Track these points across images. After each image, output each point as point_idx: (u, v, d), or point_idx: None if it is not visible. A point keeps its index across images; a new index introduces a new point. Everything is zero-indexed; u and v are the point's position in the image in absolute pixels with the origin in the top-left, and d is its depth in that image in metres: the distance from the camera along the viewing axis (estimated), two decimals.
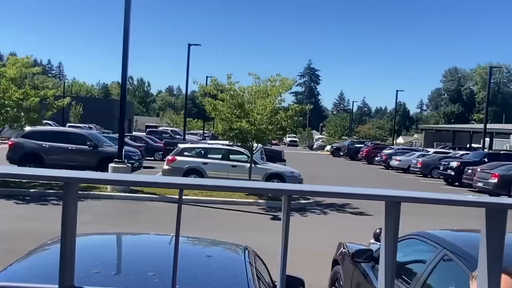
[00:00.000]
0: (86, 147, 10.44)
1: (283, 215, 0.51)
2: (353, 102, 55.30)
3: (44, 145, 10.06)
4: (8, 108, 9.07)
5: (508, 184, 10.96)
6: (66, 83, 44.22)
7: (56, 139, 10.50)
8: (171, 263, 0.64)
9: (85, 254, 1.38)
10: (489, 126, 22.62)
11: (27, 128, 10.13)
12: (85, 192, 7.74)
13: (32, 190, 7.98)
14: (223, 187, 0.50)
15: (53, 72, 70.32)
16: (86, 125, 19.53)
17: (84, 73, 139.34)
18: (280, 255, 0.51)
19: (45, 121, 11.66)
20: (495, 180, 11.04)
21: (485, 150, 19.16)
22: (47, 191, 8.05)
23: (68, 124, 18.41)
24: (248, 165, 9.45)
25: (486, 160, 14.17)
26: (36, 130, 10.38)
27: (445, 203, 0.57)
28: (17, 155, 9.95)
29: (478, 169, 12.09)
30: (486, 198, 0.60)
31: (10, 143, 10.53)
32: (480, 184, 11.83)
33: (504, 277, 1.07)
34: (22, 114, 9.32)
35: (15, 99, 9.00)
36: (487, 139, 23.17)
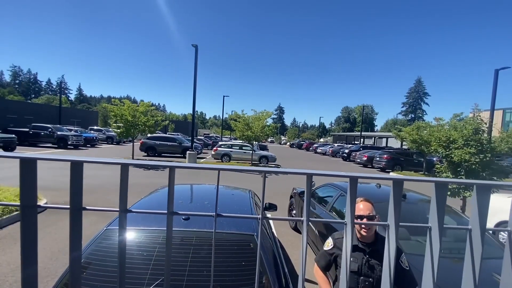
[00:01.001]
0: (176, 143, 18.90)
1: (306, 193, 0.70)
2: (299, 122, 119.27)
3: (156, 142, 18.32)
4: (140, 126, 15.52)
5: (371, 160, 19.21)
6: (166, 114, 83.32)
7: (162, 140, 18.79)
8: (215, 197, 1.01)
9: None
10: (362, 134, 44.26)
11: (149, 135, 18.06)
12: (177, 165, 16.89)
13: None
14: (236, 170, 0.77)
15: (160, 108, 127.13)
16: (176, 133, 31.78)
17: (175, 108, 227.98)
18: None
19: (157, 132, 19.85)
20: (365, 158, 19.17)
21: (360, 145, 33.42)
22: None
23: (167, 133, 30.61)
24: (251, 151, 17.44)
25: (361, 149, 23.67)
26: (153, 136, 18.34)
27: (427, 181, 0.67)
28: (144, 147, 18.12)
29: (358, 153, 20.87)
30: (433, 178, 0.68)
31: (141, 141, 18.38)
32: (358, 160, 20.58)
33: (364, 204, 1.87)
34: (146, 128, 15.69)
35: (143, 121, 15.44)
36: (362, 139, 44.74)
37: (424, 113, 77.57)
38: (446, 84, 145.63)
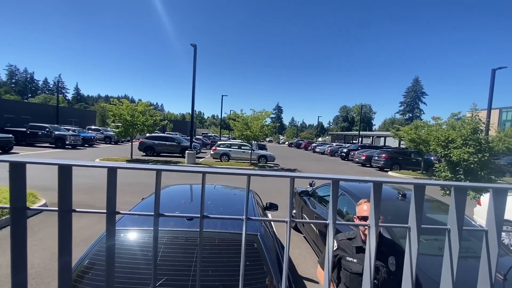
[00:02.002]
0: (175, 143, 18.86)
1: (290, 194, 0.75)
2: (298, 121, 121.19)
3: (155, 142, 18.39)
4: (138, 125, 15.24)
5: (369, 159, 19.38)
6: (165, 113, 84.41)
7: (160, 139, 18.81)
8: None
9: (172, 193, 2.68)
10: (360, 133, 44.48)
11: (147, 134, 17.89)
12: (176, 164, 15.93)
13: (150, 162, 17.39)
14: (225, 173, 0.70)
15: (158, 108, 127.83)
16: (175, 133, 32.20)
17: (173, 107, 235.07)
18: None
19: (155, 131, 19.49)
20: (364, 157, 19.25)
21: (359, 144, 34.68)
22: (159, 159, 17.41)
23: (166, 132, 30.34)
24: (250, 151, 17.42)
25: (359, 148, 23.77)
26: (151, 135, 18.38)
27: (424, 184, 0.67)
28: (142, 147, 18.17)
29: (356, 153, 20.91)
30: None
31: (139, 141, 18.47)
32: (357, 160, 20.70)
33: (368, 205, 1.86)
34: (145, 128, 15.45)
35: (142, 121, 15.20)
36: (360, 139, 44.94)
37: (422, 112, 77.91)
38: (443, 83, 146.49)
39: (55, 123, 27.37)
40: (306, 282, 3.77)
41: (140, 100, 18.24)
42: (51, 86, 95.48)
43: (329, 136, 78.90)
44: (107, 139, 28.47)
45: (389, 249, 1.84)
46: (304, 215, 5.10)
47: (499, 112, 48.91)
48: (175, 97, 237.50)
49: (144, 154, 18.67)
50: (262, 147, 21.18)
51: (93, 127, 32.11)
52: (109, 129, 29.69)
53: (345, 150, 26.76)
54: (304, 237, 5.17)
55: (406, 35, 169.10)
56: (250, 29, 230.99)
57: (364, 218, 1.88)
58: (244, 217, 0.70)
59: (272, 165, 17.38)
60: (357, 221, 1.94)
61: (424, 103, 79.25)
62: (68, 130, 23.26)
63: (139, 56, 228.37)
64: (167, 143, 19.00)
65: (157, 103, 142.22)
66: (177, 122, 65.76)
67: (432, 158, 18.43)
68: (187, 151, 16.04)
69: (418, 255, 0.68)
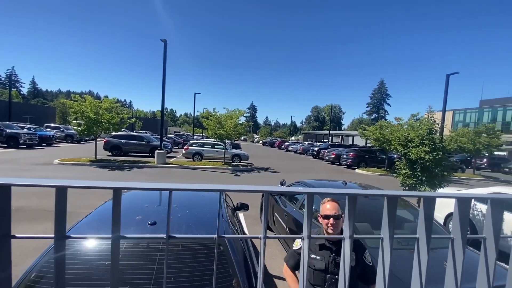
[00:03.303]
0: (144, 142, 18.02)
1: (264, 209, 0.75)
2: (272, 121, 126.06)
3: (122, 141, 17.55)
4: (103, 123, 14.36)
5: (338, 157, 20.33)
6: (133, 111, 77.51)
7: (128, 138, 17.95)
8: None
9: (136, 195, 2.53)
10: (330, 132, 45.86)
11: (113, 133, 16.84)
12: (144, 164, 14.44)
13: (117, 164, 16.37)
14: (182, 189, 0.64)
15: (127, 105, 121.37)
16: (144, 131, 30.66)
17: (143, 104, 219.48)
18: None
19: (123, 130, 18.81)
20: (333, 156, 20.31)
21: (329, 143, 34.77)
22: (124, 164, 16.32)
23: (135, 131, 28.51)
24: (223, 150, 17.16)
25: (329, 147, 24.58)
26: (118, 134, 17.39)
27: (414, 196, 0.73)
28: (108, 146, 17.26)
29: (326, 151, 21.90)
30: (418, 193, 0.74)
31: (105, 140, 17.69)
32: (327, 158, 21.65)
33: (331, 204, 1.92)
34: (111, 126, 14.65)
35: (107, 119, 14.32)
36: (330, 138, 47.02)
37: (387, 113, 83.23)
38: (406, 85, 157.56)
39: (7, 120, 24.76)
40: (276, 280, 3.82)
41: (106, 96, 17.18)
42: (3, 79, 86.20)
43: (302, 135, 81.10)
44: (69, 138, 26.46)
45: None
46: (275, 214, 5.16)
47: (453, 113, 53.78)
48: (145, 94, 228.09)
49: (110, 154, 17.63)
50: (236, 146, 21.09)
51: (52, 125, 29.52)
52: (70, 127, 27.62)
53: (316, 149, 27.53)
54: (275, 235, 5.23)
55: (372, 38, 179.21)
56: (224, 29, 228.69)
57: (327, 217, 1.93)
58: (215, 236, 0.66)
59: (246, 164, 17.38)
60: (320, 220, 1.99)
61: (389, 104, 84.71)
62: (23, 128, 21.17)
63: (105, 51, 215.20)
64: (136, 142, 18.19)
65: (125, 100, 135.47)
66: (147, 120, 63.06)
67: (395, 156, 19.74)
68: (156, 151, 15.43)
69: (390, 263, 0.70)
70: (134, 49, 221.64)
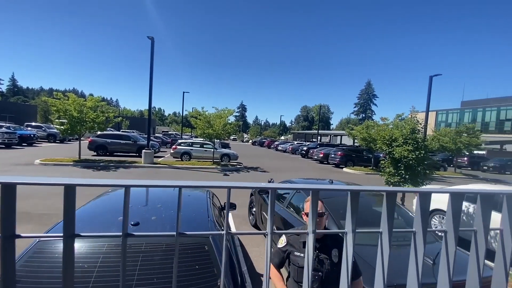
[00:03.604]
0: (130, 141, 17.68)
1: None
2: (261, 120, 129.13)
3: (107, 140, 17.16)
4: (87, 122, 13.96)
5: (327, 156, 20.63)
6: (120, 109, 78.48)
7: (114, 137, 17.54)
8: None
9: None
10: (319, 132, 47.70)
11: (99, 132, 16.12)
12: (131, 164, 14.11)
13: (102, 164, 15.86)
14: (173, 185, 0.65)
15: (113, 103, 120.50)
16: (131, 131, 29.49)
17: (130, 103, 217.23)
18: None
19: (108, 129, 18.60)
20: (322, 155, 20.69)
21: (317, 142, 35.98)
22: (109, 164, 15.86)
23: (121, 130, 27.69)
24: (212, 150, 17.03)
25: (318, 146, 24.91)
26: (103, 133, 16.83)
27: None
28: (93, 146, 16.84)
29: (315, 151, 22.28)
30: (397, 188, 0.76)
31: (89, 140, 17.17)
32: (315, 157, 21.96)
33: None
34: (96, 125, 14.22)
35: (91, 118, 13.94)
36: (319, 137, 48.41)
37: (373, 113, 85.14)
38: (392, 86, 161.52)
39: None
40: (263, 279, 3.83)
41: (91, 95, 16.69)
42: None
43: (291, 135, 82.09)
44: (51, 137, 25.54)
45: (333, 242, 1.94)
46: (263, 213, 5.17)
47: (436, 114, 55.57)
48: (132, 92, 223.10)
49: (95, 153, 17.17)
50: (226, 146, 21.01)
51: (33, 123, 28.41)
52: (53, 126, 26.67)
53: (305, 148, 27.75)
54: (264, 234, 5.23)
55: (361, 39, 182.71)
56: (213, 28, 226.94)
57: None
58: (174, 234, 0.64)
59: (235, 163, 17.34)
60: (305, 217, 2.01)
61: (375, 105, 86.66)
62: (1, 126, 20.28)
63: (91, 48, 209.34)
64: (122, 141, 17.76)
65: (111, 99, 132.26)
66: (134, 119, 61.76)
67: (381, 155, 20.22)
68: (143, 150, 15.11)
69: (389, 256, 0.72)
70: (121, 46, 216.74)
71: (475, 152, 23.78)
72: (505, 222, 0.72)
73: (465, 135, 19.13)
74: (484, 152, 31.29)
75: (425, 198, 0.72)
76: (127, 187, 0.55)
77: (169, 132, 46.98)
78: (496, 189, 0.74)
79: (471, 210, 5.60)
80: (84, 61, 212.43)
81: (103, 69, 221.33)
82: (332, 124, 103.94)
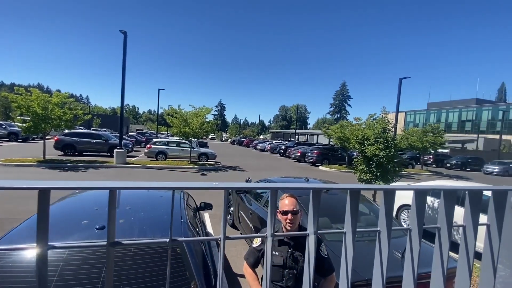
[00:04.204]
0: (101, 140, 16.76)
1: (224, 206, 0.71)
2: (240, 119, 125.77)
3: (76, 139, 16.09)
4: (53, 120, 13.13)
5: (304, 155, 21.23)
6: (90, 107, 74.11)
7: (83, 136, 16.52)
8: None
9: (88, 197, 2.38)
10: (297, 131, 48.64)
11: (66, 131, 15.34)
12: (102, 164, 13.33)
13: (69, 164, 13.58)
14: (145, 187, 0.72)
15: (83, 100, 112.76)
16: (103, 129, 27.98)
17: (102, 100, 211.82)
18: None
19: (78, 127, 17.48)
20: (299, 154, 21.28)
21: (295, 141, 36.87)
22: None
23: (91, 128, 26.23)
24: (189, 149, 16.48)
25: (295, 145, 25.71)
26: (71, 131, 15.96)
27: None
28: (59, 145, 15.75)
29: (292, 149, 22.93)
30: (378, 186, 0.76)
31: (55, 138, 16.11)
32: (293, 156, 22.54)
33: (289, 199, 1.96)
34: (62, 123, 13.44)
35: (58, 115, 13.10)
36: (296, 137, 48.95)
37: (348, 113, 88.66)
38: (365, 87, 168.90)
39: None
40: (240, 279, 3.81)
41: (58, 90, 15.62)
42: None
43: (270, 134, 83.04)
44: (12, 136, 23.50)
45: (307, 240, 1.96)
46: (241, 212, 5.15)
47: (405, 114, 58.92)
48: (105, 89, 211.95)
49: (63, 153, 16.09)
50: (203, 145, 20.62)
51: None
52: (14, 124, 24.59)
53: (283, 147, 28.13)
54: (241, 233, 5.22)
55: (336, 41, 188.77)
56: (190, 25, 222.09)
57: (285, 212, 1.96)
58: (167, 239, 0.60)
59: (213, 163, 17.12)
60: (279, 216, 2.02)
61: (350, 105, 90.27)
62: None
63: (59, 42, 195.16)
64: (92, 140, 16.76)
65: (81, 95, 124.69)
66: (106, 117, 58.94)
67: (354, 153, 21.04)
68: (115, 150, 14.41)
69: (353, 257, 0.71)
70: (93, 40, 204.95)
71: (440, 150, 25.56)
72: (467, 217, 0.75)
73: (431, 134, 20.44)
74: (447, 150, 33.80)
75: (389, 196, 0.73)
76: (112, 190, 0.49)
77: (144, 131, 45.29)
78: (458, 185, 0.78)
79: (436, 205, 5.99)
80: (50, 56, 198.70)
81: (73, 64, 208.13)
82: (309, 124, 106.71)
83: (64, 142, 16.16)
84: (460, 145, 42.49)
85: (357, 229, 0.72)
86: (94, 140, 16.86)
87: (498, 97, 73.29)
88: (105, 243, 0.54)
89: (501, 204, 0.72)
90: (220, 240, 0.61)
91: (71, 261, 1.54)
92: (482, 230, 0.76)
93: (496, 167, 24.25)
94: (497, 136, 35.46)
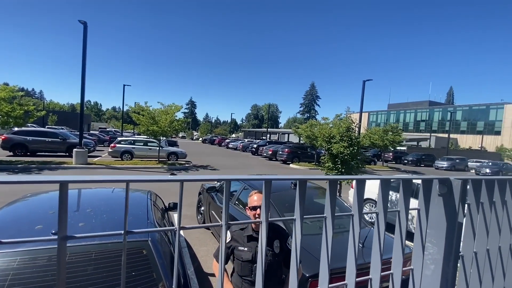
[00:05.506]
0: (58, 139, 15.35)
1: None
2: (212, 118, 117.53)
3: (28, 138, 14.52)
4: (0, 116, 12.12)
5: (275, 153, 21.86)
6: (45, 102, 73.36)
7: (37, 135, 14.99)
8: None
9: (44, 200, 2.32)
10: (268, 130, 51.93)
11: (15, 129, 14.19)
12: (59, 165, 12.31)
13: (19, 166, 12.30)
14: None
15: (36, 95, 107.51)
16: (61, 127, 25.98)
17: (59, 96, 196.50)
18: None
19: (30, 125, 15.73)
20: (270, 152, 21.92)
21: (267, 140, 37.76)
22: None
23: (46, 126, 23.55)
24: (158, 148, 15.75)
25: (267, 144, 26.54)
26: (22, 129, 14.42)
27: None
28: (8, 144, 14.20)
29: (264, 148, 23.51)
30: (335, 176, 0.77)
31: (3, 137, 14.38)
32: (265, 154, 23.03)
33: (258, 195, 2.02)
34: (10, 120, 12.35)
35: (5, 111, 12.05)
36: (268, 135, 51.51)
37: (317, 113, 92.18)
38: (333, 88, 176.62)
39: None
40: (211, 278, 3.80)
41: (6, 84, 14.10)
42: None
43: (242, 133, 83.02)
44: None
45: (274, 234, 2.04)
46: (212, 211, 5.11)
47: (368, 114, 62.78)
48: (62, 84, 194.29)
49: (12, 154, 14.52)
50: (173, 144, 19.99)
51: None
52: None
53: (255, 146, 28.38)
54: (212, 233, 5.19)
55: (305, 42, 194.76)
56: (158, 18, 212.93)
57: (254, 208, 2.01)
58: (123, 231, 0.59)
59: (184, 162, 16.69)
60: (248, 212, 2.06)
61: (318, 105, 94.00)
62: None
63: (7, 31, 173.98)
64: (47, 139, 15.27)
65: (33, 90, 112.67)
66: (64, 114, 54.14)
67: (322, 151, 21.97)
68: (75, 149, 13.35)
69: (301, 238, 0.77)
70: (49, 31, 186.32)
71: (398, 148, 27.69)
72: (401, 203, 0.86)
73: (390, 133, 22.07)
74: (405, 148, 36.79)
75: (360, 185, 0.80)
76: (63, 183, 0.48)
77: (108, 129, 42.56)
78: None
79: (394, 198, 6.52)
80: None
81: (24, 56, 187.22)
82: (280, 123, 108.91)
83: (13, 142, 14.56)
84: (415, 143, 46.49)
85: (305, 216, 0.78)
86: (50, 139, 15.37)
87: (447, 100, 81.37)
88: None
89: (429, 190, 0.85)
90: (176, 230, 0.63)
91: (24, 269, 1.43)
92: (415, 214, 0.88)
93: (445, 163, 27.02)
94: (446, 135, 39.38)
